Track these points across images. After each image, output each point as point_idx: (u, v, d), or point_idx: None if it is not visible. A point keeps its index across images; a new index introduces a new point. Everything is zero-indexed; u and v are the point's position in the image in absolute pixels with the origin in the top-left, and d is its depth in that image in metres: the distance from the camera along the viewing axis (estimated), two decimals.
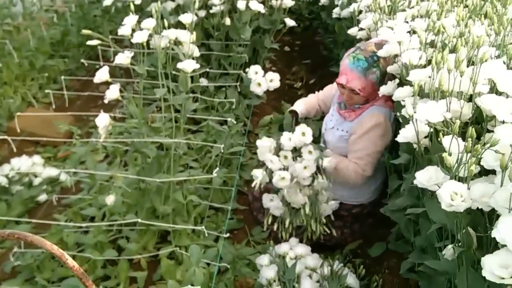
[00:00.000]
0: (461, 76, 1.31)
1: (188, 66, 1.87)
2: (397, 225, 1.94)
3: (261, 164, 2.73)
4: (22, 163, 2.54)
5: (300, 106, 2.31)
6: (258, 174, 2.01)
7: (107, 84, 1.85)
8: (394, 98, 1.70)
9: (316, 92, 2.41)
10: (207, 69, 2.72)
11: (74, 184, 2.42)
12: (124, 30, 1.85)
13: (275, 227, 2.04)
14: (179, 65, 1.87)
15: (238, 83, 2.74)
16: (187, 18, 1.92)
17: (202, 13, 2.95)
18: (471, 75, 1.31)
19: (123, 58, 1.85)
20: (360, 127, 1.97)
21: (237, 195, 2.44)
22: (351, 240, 2.21)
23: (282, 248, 1.95)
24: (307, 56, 4.91)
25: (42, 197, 2.44)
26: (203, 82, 2.90)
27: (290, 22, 3.03)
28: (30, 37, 3.63)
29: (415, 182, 1.24)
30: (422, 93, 1.56)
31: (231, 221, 2.18)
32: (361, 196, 2.14)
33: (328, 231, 2.08)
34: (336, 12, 2.94)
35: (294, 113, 2.26)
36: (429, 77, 1.47)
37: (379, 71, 1.91)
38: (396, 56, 1.83)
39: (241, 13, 2.72)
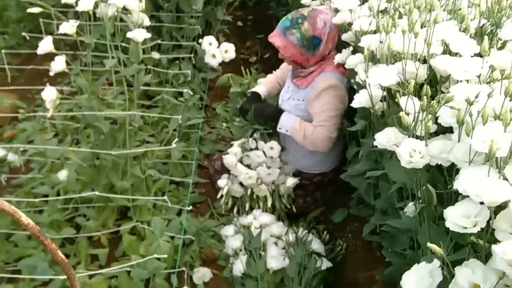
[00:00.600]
0: (415, 37, 1.33)
1: (139, 35, 1.80)
2: (357, 190, 1.98)
3: (220, 139, 2.77)
4: None
5: (261, 87, 2.33)
6: (223, 183, 2.06)
7: (52, 57, 1.74)
8: (347, 65, 1.72)
9: (274, 72, 2.44)
10: (159, 42, 2.62)
11: (23, 164, 2.29)
12: None
13: (234, 210, 2.09)
14: (129, 34, 1.80)
15: (192, 55, 2.67)
16: None
17: None
18: (425, 37, 1.33)
19: (68, 27, 1.75)
20: (314, 91, 1.99)
21: (198, 169, 2.41)
22: (313, 208, 2.24)
23: (247, 218, 1.95)
24: (260, 31, 4.84)
25: None
26: (155, 55, 2.81)
27: None
28: None
29: (375, 143, 1.25)
30: (374, 59, 1.58)
31: (193, 195, 2.15)
32: (323, 164, 2.17)
33: (289, 206, 2.13)
34: None
35: (255, 94, 2.28)
36: (380, 42, 1.49)
37: (299, 34, 1.93)
38: (349, 24, 1.85)
39: None
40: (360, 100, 1.46)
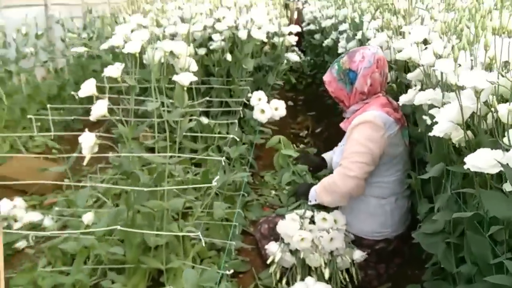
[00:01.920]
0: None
1: (185, 78, 1.68)
2: (433, 257, 1.64)
3: (268, 206, 2.52)
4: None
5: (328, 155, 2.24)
6: (274, 249, 1.81)
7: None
8: (416, 102, 1.51)
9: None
10: (207, 106, 2.53)
11: (59, 228, 2.13)
12: (115, 40, 1.68)
13: (283, 282, 1.79)
14: (175, 78, 1.68)
15: (239, 111, 2.52)
16: (183, 29, 1.75)
17: (202, 51, 2.82)
18: None
19: (113, 69, 1.66)
20: (349, 129, 1.83)
21: (242, 235, 2.14)
22: (377, 284, 1.89)
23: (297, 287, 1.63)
24: (311, 109, 4.79)
25: (21, 244, 2.14)
26: (204, 120, 2.70)
27: (294, 57, 2.91)
28: (23, 84, 3.49)
29: (468, 167, 0.98)
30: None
31: (235, 262, 1.87)
32: (384, 227, 1.86)
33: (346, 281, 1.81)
34: (342, 46, 2.82)
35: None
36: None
37: (337, 67, 1.89)
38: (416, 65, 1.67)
39: (242, 43, 2.59)
40: (441, 127, 1.21)
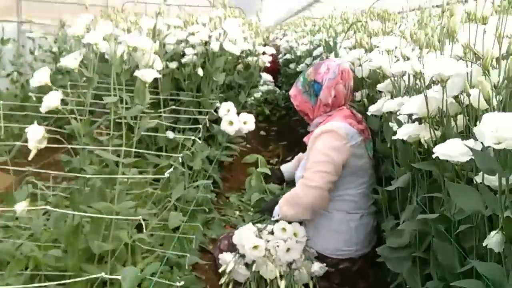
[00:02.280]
0: None
1: (147, 74, 1.59)
2: (398, 277, 1.54)
3: (230, 226, 2.39)
4: None
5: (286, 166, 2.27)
6: (227, 258, 1.70)
7: None
8: (384, 109, 1.46)
9: None
10: (174, 121, 2.43)
11: None
12: (76, 29, 1.59)
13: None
14: (137, 73, 1.59)
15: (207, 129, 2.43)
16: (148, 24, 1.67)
17: (173, 65, 2.75)
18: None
19: (70, 59, 1.56)
20: (310, 140, 1.78)
21: (200, 253, 2.01)
22: None
23: None
24: (283, 139, 4.74)
25: None
26: (169, 134, 2.60)
27: (267, 77, 2.86)
28: None
29: (437, 155, 0.90)
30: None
31: (189, 277, 1.72)
32: (348, 245, 1.76)
33: None
34: None
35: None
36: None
37: (302, 79, 1.89)
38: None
39: (214, 56, 2.53)
40: (406, 129, 1.15)
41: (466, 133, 1.00)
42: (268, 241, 1.66)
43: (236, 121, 2.17)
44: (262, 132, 5.00)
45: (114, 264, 1.54)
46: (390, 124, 1.44)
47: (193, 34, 2.65)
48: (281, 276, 1.62)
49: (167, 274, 1.74)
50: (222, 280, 1.66)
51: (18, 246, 1.56)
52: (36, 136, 1.50)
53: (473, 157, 0.89)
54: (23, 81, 4.02)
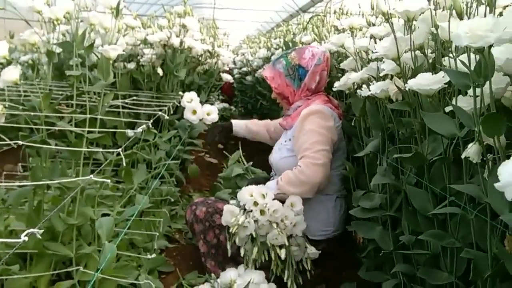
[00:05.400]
0: None
1: (111, 50, 1.57)
2: (369, 247, 1.57)
3: None
4: None
5: (240, 121, 2.20)
6: (235, 211, 1.63)
7: None
8: (350, 81, 1.52)
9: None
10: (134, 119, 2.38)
11: None
12: (36, 3, 1.54)
13: (241, 252, 1.60)
14: (100, 49, 1.56)
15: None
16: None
17: (132, 65, 2.72)
18: None
19: (28, 34, 1.51)
20: (298, 122, 1.76)
21: (167, 242, 1.94)
22: (310, 286, 1.75)
23: (228, 275, 1.46)
24: (243, 149, 4.76)
25: None
26: (129, 133, 2.53)
27: (227, 77, 2.88)
28: None
29: (409, 87, 0.94)
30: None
31: (158, 257, 1.66)
32: (326, 225, 1.77)
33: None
34: None
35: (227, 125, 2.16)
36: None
37: (285, 62, 1.85)
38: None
39: (175, 51, 2.52)
40: (376, 85, 1.19)
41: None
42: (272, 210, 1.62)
43: (199, 110, 2.15)
44: (220, 146, 5.01)
45: (79, 243, 1.46)
46: (359, 91, 1.49)
47: (152, 33, 2.64)
48: (280, 246, 1.59)
49: (135, 259, 1.67)
50: (232, 230, 1.56)
51: None
52: None
53: (444, 85, 0.94)
54: None
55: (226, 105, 5.93)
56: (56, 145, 1.44)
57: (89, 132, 1.49)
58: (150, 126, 1.84)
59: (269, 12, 11.25)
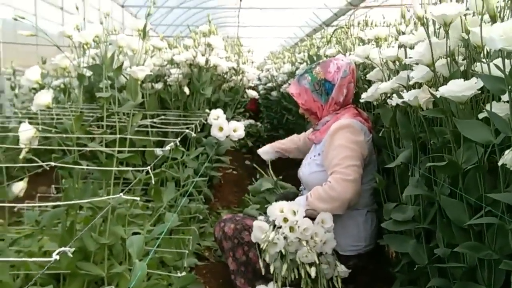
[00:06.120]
0: None
1: (139, 72, 1.59)
2: (402, 260, 1.52)
3: None
4: None
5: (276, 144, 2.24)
6: (265, 227, 1.63)
7: None
8: (380, 91, 1.49)
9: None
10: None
11: None
12: (66, 28, 1.59)
13: (271, 269, 1.58)
14: (129, 71, 1.59)
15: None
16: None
17: (159, 86, 2.77)
18: None
19: (60, 58, 1.56)
20: (327, 137, 1.73)
21: (197, 259, 1.94)
22: None
23: None
24: (272, 164, 4.75)
25: None
26: (157, 152, 2.57)
27: (253, 93, 2.89)
28: None
29: (441, 94, 0.92)
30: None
31: (188, 275, 1.65)
32: (357, 240, 1.73)
33: None
34: None
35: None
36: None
37: (310, 77, 1.84)
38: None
39: (200, 70, 2.55)
40: (409, 93, 1.17)
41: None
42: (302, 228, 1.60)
43: (226, 126, 2.16)
44: (247, 162, 5.03)
45: (111, 263, 1.47)
46: (389, 101, 1.46)
47: (178, 54, 2.69)
48: (310, 264, 1.56)
49: (165, 277, 1.67)
50: (262, 246, 1.55)
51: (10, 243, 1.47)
52: (27, 134, 1.47)
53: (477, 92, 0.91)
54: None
55: (252, 121, 5.98)
56: (87, 165, 1.47)
57: (119, 152, 1.52)
58: (178, 144, 1.88)
59: (292, 27, 11.35)
